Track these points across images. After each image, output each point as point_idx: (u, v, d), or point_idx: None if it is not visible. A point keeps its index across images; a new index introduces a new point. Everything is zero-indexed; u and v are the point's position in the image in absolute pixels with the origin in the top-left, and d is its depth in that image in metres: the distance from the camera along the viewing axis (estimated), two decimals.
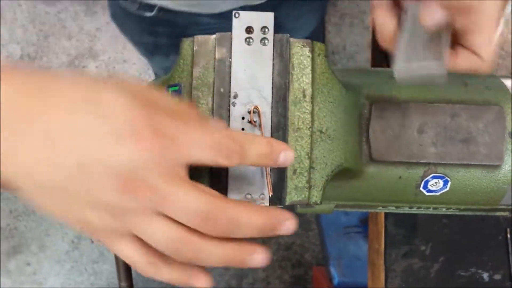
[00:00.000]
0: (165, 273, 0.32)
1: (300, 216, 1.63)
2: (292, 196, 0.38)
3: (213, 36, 0.38)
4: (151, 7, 0.69)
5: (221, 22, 0.71)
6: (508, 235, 0.67)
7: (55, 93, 0.29)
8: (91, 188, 0.29)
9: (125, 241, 0.31)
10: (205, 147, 0.30)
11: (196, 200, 0.29)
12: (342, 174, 0.41)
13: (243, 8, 0.67)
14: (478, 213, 0.51)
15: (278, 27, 0.37)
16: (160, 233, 0.30)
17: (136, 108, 0.29)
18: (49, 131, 0.28)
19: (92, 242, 1.67)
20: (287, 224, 0.31)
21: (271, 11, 0.63)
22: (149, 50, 0.86)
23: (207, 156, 0.30)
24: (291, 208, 0.40)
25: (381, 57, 0.69)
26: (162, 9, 0.69)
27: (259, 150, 0.32)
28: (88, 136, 0.28)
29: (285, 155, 0.33)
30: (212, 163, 0.31)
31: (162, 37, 0.79)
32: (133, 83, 0.31)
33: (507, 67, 0.67)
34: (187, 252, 0.30)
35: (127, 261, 0.32)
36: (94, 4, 1.75)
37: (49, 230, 1.69)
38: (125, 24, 0.80)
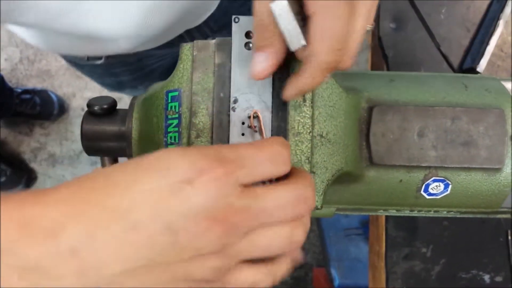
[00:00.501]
0: (280, 273, 0.33)
1: None
2: None
3: (213, 41, 0.38)
4: (99, 57, 0.70)
5: (174, 48, 0.72)
6: (509, 237, 0.67)
7: (106, 181, 0.28)
8: (187, 244, 0.27)
9: (239, 272, 0.31)
10: (265, 162, 0.30)
11: (281, 196, 0.30)
12: (343, 178, 0.41)
13: (188, 31, 0.68)
14: (479, 216, 0.51)
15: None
16: (273, 241, 0.30)
17: (186, 152, 0.29)
18: (123, 214, 0.27)
19: None
20: None
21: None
22: (115, 88, 0.87)
23: (270, 169, 0.30)
24: None
25: (380, 58, 0.69)
26: (109, 56, 0.70)
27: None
28: (159, 196, 0.27)
29: None
30: (275, 175, 0.31)
31: (122, 76, 0.80)
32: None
33: (506, 69, 0.67)
34: (300, 237, 0.31)
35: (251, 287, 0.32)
36: None
37: None
38: (83, 71, 0.81)
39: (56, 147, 1.72)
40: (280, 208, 0.30)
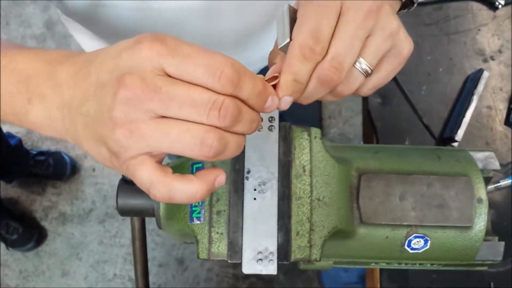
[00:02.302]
0: (183, 191, 0.33)
1: (302, 274, 1.68)
2: (296, 254, 0.45)
3: None
4: None
5: None
6: None
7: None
8: (104, 96, 0.32)
9: (140, 162, 0.33)
10: (201, 64, 0.31)
11: (197, 93, 0.31)
12: (338, 234, 0.49)
13: None
14: (459, 268, 0.58)
15: None
16: (181, 135, 0.31)
17: (146, 34, 0.32)
18: (87, 67, 0.34)
19: None
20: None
21: None
22: None
23: (200, 74, 0.31)
24: (295, 264, 0.48)
25: (371, 122, 0.78)
26: None
27: (255, 85, 0.32)
28: (108, 58, 0.33)
29: (271, 101, 0.34)
30: (202, 82, 0.31)
31: None
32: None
33: (482, 138, 0.76)
34: (213, 142, 0.32)
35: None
36: None
37: None
38: None
39: (67, 206, 1.79)
40: (192, 103, 0.31)
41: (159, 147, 0.32)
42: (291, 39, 0.36)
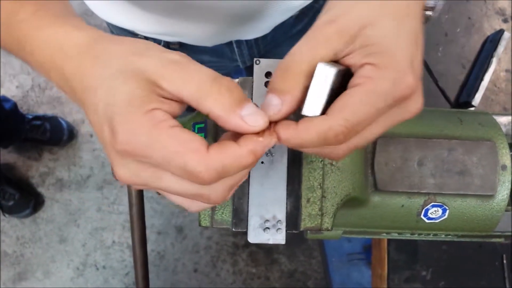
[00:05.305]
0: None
1: (303, 244, 1.66)
2: (306, 223, 0.42)
3: (237, 80, 0.42)
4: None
5: (219, 61, 0.78)
6: (504, 261, 0.70)
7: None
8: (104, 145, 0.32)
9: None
10: (174, 168, 0.30)
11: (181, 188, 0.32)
12: (350, 202, 0.45)
13: (239, 43, 0.73)
14: (475, 240, 0.55)
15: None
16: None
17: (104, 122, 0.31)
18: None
19: (97, 269, 1.69)
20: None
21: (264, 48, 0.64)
22: None
23: (177, 174, 0.30)
24: (296, 233, 0.44)
25: None
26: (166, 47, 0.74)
27: (240, 166, 0.30)
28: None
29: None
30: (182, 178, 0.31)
31: None
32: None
33: (499, 103, 0.72)
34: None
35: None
36: None
37: (54, 257, 1.71)
38: None
39: (64, 172, 1.76)
40: (180, 193, 0.32)
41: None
42: (322, 113, 0.31)
